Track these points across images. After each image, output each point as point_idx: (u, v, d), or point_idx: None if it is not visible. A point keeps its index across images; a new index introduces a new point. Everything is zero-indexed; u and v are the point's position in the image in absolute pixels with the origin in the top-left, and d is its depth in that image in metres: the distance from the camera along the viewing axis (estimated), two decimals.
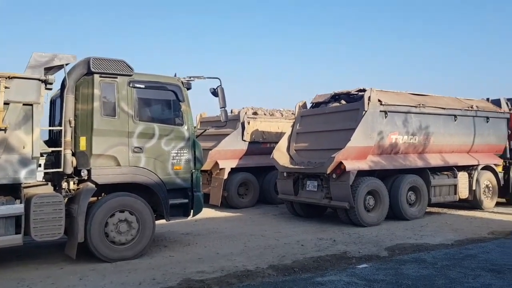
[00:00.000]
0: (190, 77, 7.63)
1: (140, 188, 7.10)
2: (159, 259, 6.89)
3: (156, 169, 7.17)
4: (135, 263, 6.64)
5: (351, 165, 9.32)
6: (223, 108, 7.77)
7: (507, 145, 12.44)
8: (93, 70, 6.75)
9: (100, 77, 6.85)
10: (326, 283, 5.42)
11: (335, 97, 11.02)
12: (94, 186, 6.71)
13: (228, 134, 12.40)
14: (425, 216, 10.52)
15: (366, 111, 9.57)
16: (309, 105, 11.57)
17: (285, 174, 10.68)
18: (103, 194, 6.96)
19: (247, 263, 6.56)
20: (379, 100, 9.77)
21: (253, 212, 11.89)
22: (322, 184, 9.93)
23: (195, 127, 8.08)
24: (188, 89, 7.59)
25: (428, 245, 7.62)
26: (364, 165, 9.60)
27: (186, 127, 7.47)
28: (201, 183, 7.76)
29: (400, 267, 6.15)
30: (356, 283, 5.39)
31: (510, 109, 12.50)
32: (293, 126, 11.38)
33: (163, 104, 7.68)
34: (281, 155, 10.93)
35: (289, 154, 11.06)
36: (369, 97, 9.63)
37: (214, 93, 7.72)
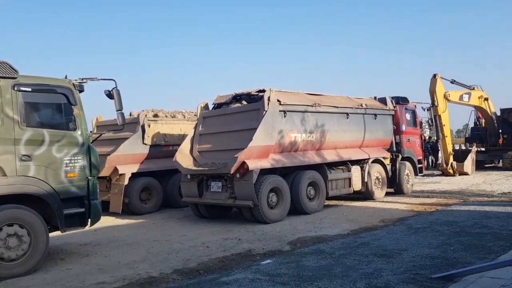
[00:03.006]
0: (82, 79, 7.22)
1: (31, 199, 6.57)
2: (55, 273, 6.44)
3: (48, 177, 6.69)
4: (28, 280, 6.14)
5: (254, 164, 9.51)
6: (120, 111, 7.47)
7: (393, 140, 13.57)
8: None
9: None
10: (231, 282, 5.46)
11: (236, 98, 11.16)
12: None
13: (127, 138, 11.97)
14: (324, 209, 11.08)
15: (266, 111, 9.82)
16: (211, 106, 11.59)
17: (188, 176, 10.57)
18: None
19: (151, 269, 6.38)
20: (278, 100, 10.07)
21: (157, 217, 11.60)
22: (226, 185, 9.99)
23: (90, 131, 7.66)
24: (80, 91, 7.17)
25: (327, 236, 8.04)
26: (266, 163, 9.85)
27: (79, 132, 7.06)
28: (98, 190, 7.39)
29: (301, 259, 6.41)
30: (260, 279, 5.50)
31: (394, 107, 13.63)
32: (195, 127, 11.31)
33: (53, 108, 7.20)
34: (184, 158, 10.81)
35: (192, 156, 10.97)
36: (269, 97, 9.89)
37: (109, 95, 7.39)
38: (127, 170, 11.81)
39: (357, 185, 12.09)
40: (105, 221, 10.42)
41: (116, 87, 7.41)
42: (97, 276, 6.20)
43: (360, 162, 12.37)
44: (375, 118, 12.72)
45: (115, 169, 11.69)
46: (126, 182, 11.73)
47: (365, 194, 12.59)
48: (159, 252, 7.49)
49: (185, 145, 11.06)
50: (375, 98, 13.65)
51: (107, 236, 9.16)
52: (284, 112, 10.18)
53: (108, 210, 11.61)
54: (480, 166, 21.72)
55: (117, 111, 7.50)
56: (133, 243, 8.35)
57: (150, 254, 7.35)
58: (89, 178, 7.14)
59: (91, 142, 7.45)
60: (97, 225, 7.68)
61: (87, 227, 7.30)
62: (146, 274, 6.16)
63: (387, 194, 13.26)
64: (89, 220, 7.19)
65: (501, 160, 21.87)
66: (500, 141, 21.69)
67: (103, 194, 11.36)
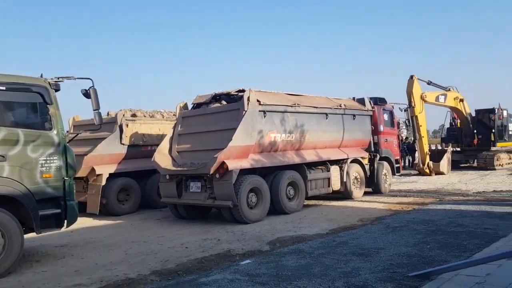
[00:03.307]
0: (58, 78, 7.09)
1: (5, 200, 6.41)
2: (30, 276, 6.32)
3: (23, 178, 6.54)
4: (2, 282, 6.02)
5: (234, 164, 9.49)
6: (97, 111, 7.36)
7: (371, 140, 13.72)
8: None
9: None
10: (210, 283, 5.44)
11: (216, 98, 11.13)
12: None
13: (104, 138, 11.80)
14: (304, 209, 11.14)
15: (246, 111, 9.81)
16: (190, 106, 11.53)
17: (167, 176, 10.48)
18: None
19: (128, 271, 6.30)
20: (258, 100, 10.08)
21: (135, 218, 11.48)
22: (205, 185, 9.94)
23: (66, 131, 7.52)
24: (56, 90, 7.04)
25: (306, 236, 8.08)
26: (246, 163, 9.84)
27: (55, 132, 6.92)
28: (74, 191, 7.27)
29: (281, 259, 6.42)
30: (239, 280, 5.49)
31: (372, 107, 13.79)
32: (174, 127, 11.23)
33: (28, 107, 7.06)
34: (162, 158, 10.71)
35: (171, 156, 10.88)
36: (249, 97, 9.89)
37: (86, 94, 7.28)
38: (105, 170, 11.67)
39: (336, 185, 12.18)
40: (82, 222, 10.27)
41: (93, 86, 7.30)
42: (73, 278, 6.09)
43: (339, 162, 12.46)
44: (354, 119, 12.84)
45: (92, 170, 11.53)
46: (103, 182, 11.58)
47: (344, 194, 12.70)
48: (137, 253, 7.41)
49: (164, 145, 10.96)
50: (353, 98, 13.79)
51: (84, 237, 9.02)
52: (264, 112, 10.19)
53: (85, 211, 11.44)
54: (455, 165, 22.17)
55: (94, 110, 7.39)
56: (111, 244, 8.24)
57: (128, 256, 7.26)
58: (65, 178, 7.02)
59: (68, 142, 7.33)
60: (74, 226, 7.56)
61: (63, 229, 7.19)
62: (124, 275, 6.08)
63: (366, 193, 13.40)
64: (65, 221, 7.07)
65: (475, 160, 22.36)
66: (475, 141, 22.17)
67: (80, 194, 11.19)
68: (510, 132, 22.53)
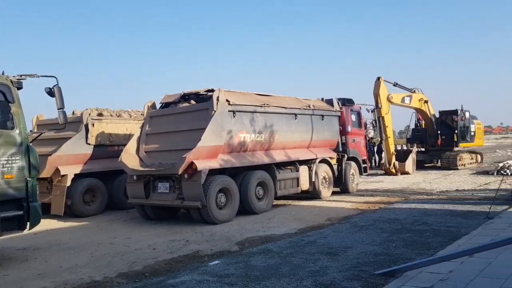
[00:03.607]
0: (21, 76, 6.88)
1: None
2: None
3: None
4: None
5: (203, 165, 9.43)
6: (61, 110, 7.19)
7: (339, 140, 13.91)
8: None
9: None
10: (178, 284, 5.38)
11: (185, 97, 11.03)
12: None
13: (69, 138, 11.53)
14: (273, 209, 11.18)
15: (215, 111, 9.77)
16: (158, 105, 11.38)
17: (134, 177, 10.32)
18: None
19: (94, 273, 6.17)
20: (227, 100, 10.05)
21: (101, 219, 11.26)
22: (174, 185, 9.84)
23: (30, 130, 7.29)
24: (18, 88, 6.84)
25: (275, 235, 8.11)
26: (215, 164, 9.79)
27: (17, 131, 6.71)
28: (38, 192, 7.05)
29: (249, 259, 6.41)
30: (208, 280, 5.46)
31: (340, 108, 13.98)
32: (142, 127, 11.06)
33: None
34: (130, 158, 10.53)
35: (138, 156, 10.72)
36: (218, 97, 9.85)
37: (50, 93, 7.09)
38: (70, 171, 11.41)
39: (304, 185, 12.28)
40: (46, 224, 10.01)
41: (57, 84, 7.13)
42: (36, 281, 5.93)
43: (308, 162, 12.57)
44: (322, 119, 12.99)
45: (57, 170, 11.25)
46: (68, 183, 11.32)
47: (313, 194, 12.82)
48: (103, 255, 7.26)
49: (131, 145, 10.78)
50: (322, 99, 13.94)
51: (47, 239, 8.78)
52: (233, 112, 10.17)
53: (49, 212, 11.15)
54: (420, 165, 22.71)
55: (58, 109, 7.22)
56: (76, 246, 8.05)
57: (94, 258, 7.11)
58: (28, 179, 6.83)
59: (30, 142, 7.14)
60: (37, 228, 7.37)
61: (26, 231, 6.99)
62: (89, 278, 5.95)
63: (334, 193, 13.57)
64: (28, 223, 6.88)
65: (439, 160, 22.96)
66: (439, 141, 22.78)
67: (44, 196, 10.93)
68: (472, 133, 23.27)
